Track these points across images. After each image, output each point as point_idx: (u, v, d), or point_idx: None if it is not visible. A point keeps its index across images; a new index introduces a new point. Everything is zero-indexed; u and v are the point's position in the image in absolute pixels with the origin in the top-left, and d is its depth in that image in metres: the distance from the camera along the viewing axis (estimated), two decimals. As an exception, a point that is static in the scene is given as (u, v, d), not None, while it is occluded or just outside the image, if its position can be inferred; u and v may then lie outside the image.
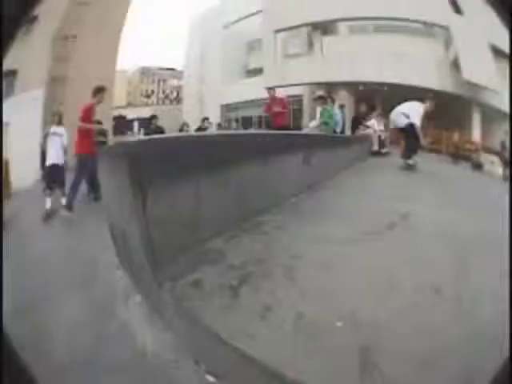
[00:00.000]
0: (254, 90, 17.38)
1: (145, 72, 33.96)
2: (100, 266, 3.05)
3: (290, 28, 16.77)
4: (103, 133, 7.58)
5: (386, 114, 9.43)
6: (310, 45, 16.70)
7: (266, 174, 3.19)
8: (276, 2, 16.46)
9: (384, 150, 9.14)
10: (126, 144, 2.11)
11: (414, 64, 12.92)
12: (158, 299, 2.00)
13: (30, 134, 11.71)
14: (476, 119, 13.25)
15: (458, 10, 12.84)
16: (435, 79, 12.67)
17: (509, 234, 2.12)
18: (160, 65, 37.17)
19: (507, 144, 9.37)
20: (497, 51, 11.85)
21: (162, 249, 2.00)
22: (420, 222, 3.05)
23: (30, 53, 14.10)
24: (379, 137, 9.31)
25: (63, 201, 6.40)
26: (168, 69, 37.20)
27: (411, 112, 6.63)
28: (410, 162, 6.78)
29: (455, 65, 12.91)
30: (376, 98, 12.61)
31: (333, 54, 15.15)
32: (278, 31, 17.11)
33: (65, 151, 6.72)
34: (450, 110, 12.14)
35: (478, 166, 10.22)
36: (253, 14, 20.20)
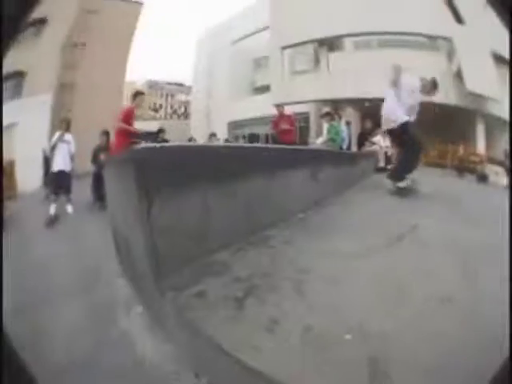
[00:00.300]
0: (261, 107, 17.56)
1: (153, 86, 34.44)
2: (102, 274, 3.03)
3: (297, 44, 17.00)
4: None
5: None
6: (317, 61, 16.91)
7: (272, 188, 3.16)
8: (283, 18, 16.76)
9: (390, 166, 9.08)
10: (134, 150, 2.10)
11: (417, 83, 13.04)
12: (159, 309, 1.96)
13: (38, 137, 11.83)
14: (480, 130, 13.27)
15: (459, 19, 12.94)
16: (439, 92, 12.73)
17: (509, 239, 2.09)
18: (168, 79, 37.82)
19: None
20: (497, 58, 11.90)
21: (167, 258, 1.97)
22: (427, 234, 3.00)
23: (39, 57, 14.47)
24: (385, 153, 9.28)
25: (69, 208, 6.42)
26: (176, 84, 37.81)
27: (405, 96, 5.21)
28: (401, 184, 5.17)
29: (458, 76, 12.97)
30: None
31: (339, 70, 15.34)
32: (284, 48, 17.34)
33: (72, 158, 6.75)
34: (454, 122, 12.11)
35: (483, 178, 10.20)
36: (260, 31, 20.57)
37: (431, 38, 13.97)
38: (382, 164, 9.24)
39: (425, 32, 13.56)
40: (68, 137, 6.74)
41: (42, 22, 15.15)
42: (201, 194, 2.24)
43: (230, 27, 23.73)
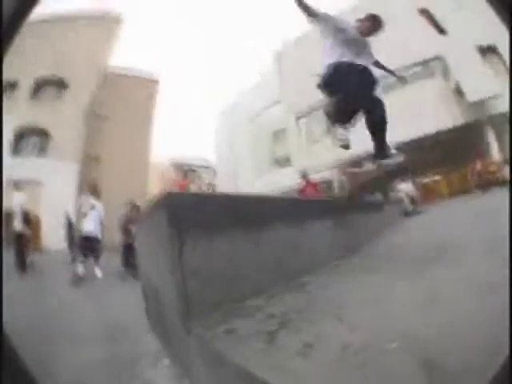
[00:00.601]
0: (285, 180, 17.82)
1: (179, 167, 35.57)
2: (129, 330, 2.99)
3: (309, 111, 17.47)
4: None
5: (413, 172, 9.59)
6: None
7: (301, 237, 3.13)
8: (291, 88, 17.46)
9: (417, 210, 9.00)
10: (167, 195, 2.17)
11: (425, 111, 12.87)
12: (186, 358, 1.90)
13: (63, 199, 12.41)
14: (490, 135, 12.69)
15: (441, 30, 13.06)
16: (448, 117, 12.46)
17: (509, 237, 1.94)
18: (193, 160, 39.43)
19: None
20: (483, 50, 11.71)
21: (196, 301, 1.91)
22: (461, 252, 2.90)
23: (62, 121, 15.85)
24: (411, 198, 9.30)
25: (97, 271, 6.42)
26: (203, 166, 39.31)
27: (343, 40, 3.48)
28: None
29: (458, 91, 12.76)
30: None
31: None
32: (299, 117, 17.85)
33: (101, 224, 6.98)
34: (464, 139, 11.67)
35: (504, 184, 9.80)
36: (273, 105, 21.58)
37: (424, 63, 14.09)
38: (409, 208, 9.14)
39: (419, 60, 13.75)
40: (98, 205, 7.03)
41: (62, 85, 16.80)
42: (230, 241, 2.25)
43: (246, 104, 24.94)
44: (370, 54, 3.79)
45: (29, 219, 7.90)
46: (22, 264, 6.98)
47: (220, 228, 2.18)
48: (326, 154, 16.10)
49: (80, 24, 17.49)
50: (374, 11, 3.82)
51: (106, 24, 18.80)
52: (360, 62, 3.50)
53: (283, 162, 21.93)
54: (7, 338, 1.18)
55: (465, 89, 12.62)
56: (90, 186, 7.60)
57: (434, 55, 13.74)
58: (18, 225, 7.35)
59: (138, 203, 7.29)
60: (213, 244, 2.09)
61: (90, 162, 16.33)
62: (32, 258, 7.30)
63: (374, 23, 3.68)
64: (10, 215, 8.09)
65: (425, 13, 13.61)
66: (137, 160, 17.47)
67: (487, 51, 11.96)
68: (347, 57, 3.44)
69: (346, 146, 3.80)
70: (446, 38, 13.23)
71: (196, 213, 2.06)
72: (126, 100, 18.05)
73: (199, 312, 1.87)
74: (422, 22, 13.67)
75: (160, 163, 28.28)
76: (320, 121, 17.94)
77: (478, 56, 12.32)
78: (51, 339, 2.63)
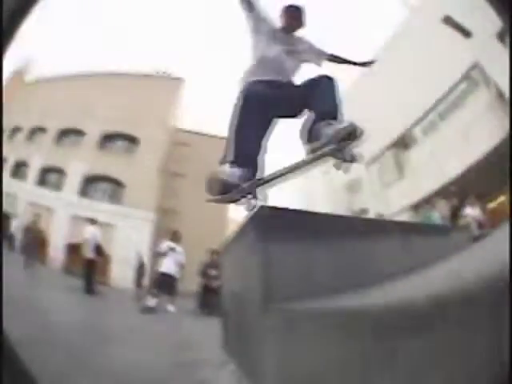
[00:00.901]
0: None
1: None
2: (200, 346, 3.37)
3: (377, 156, 16.98)
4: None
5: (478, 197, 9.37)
6: (399, 165, 16.65)
7: (370, 254, 3.25)
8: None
9: (484, 235, 8.49)
10: (260, 207, 2.52)
11: (478, 130, 11.93)
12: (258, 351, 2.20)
13: (136, 244, 13.18)
14: None
15: (467, 33, 12.06)
16: (499, 128, 11.30)
17: (509, 238, 1.93)
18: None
19: None
20: (501, 36, 10.63)
21: (275, 289, 2.19)
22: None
23: (135, 174, 16.57)
24: (478, 222, 9.09)
25: (170, 307, 6.71)
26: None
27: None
28: None
29: (500, 94, 11.66)
30: (465, 185, 11.69)
31: (419, 166, 15.03)
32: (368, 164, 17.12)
33: (181, 267, 7.40)
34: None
35: None
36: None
37: (467, 76, 13.21)
38: (476, 233, 8.72)
39: (462, 73, 13.11)
40: (179, 248, 7.51)
41: (133, 140, 17.87)
42: (307, 249, 2.51)
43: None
44: (306, 49, 3.07)
45: (100, 250, 8.63)
46: (89, 288, 7.59)
47: (301, 237, 2.47)
48: (397, 196, 15.53)
49: (144, 82, 19.09)
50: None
51: (170, 84, 20.35)
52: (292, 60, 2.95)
53: (360, 212, 20.96)
54: (7, 339, 1.23)
55: (501, 85, 11.46)
56: (171, 232, 8.17)
57: (472, 64, 12.84)
58: (88, 253, 8.13)
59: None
60: (294, 250, 2.39)
61: (166, 213, 17.06)
62: (99, 288, 7.80)
63: (292, 16, 2.93)
64: (76, 247, 9.33)
65: (448, 20, 12.85)
66: (215, 217, 17.71)
67: (505, 34, 10.82)
68: (278, 59, 2.86)
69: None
70: (474, 39, 12.38)
71: (284, 224, 2.39)
72: (200, 158, 18.63)
73: (275, 300, 2.13)
74: (449, 31, 12.84)
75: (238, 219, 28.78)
76: (391, 166, 17.30)
77: (501, 46, 11.22)
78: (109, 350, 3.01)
